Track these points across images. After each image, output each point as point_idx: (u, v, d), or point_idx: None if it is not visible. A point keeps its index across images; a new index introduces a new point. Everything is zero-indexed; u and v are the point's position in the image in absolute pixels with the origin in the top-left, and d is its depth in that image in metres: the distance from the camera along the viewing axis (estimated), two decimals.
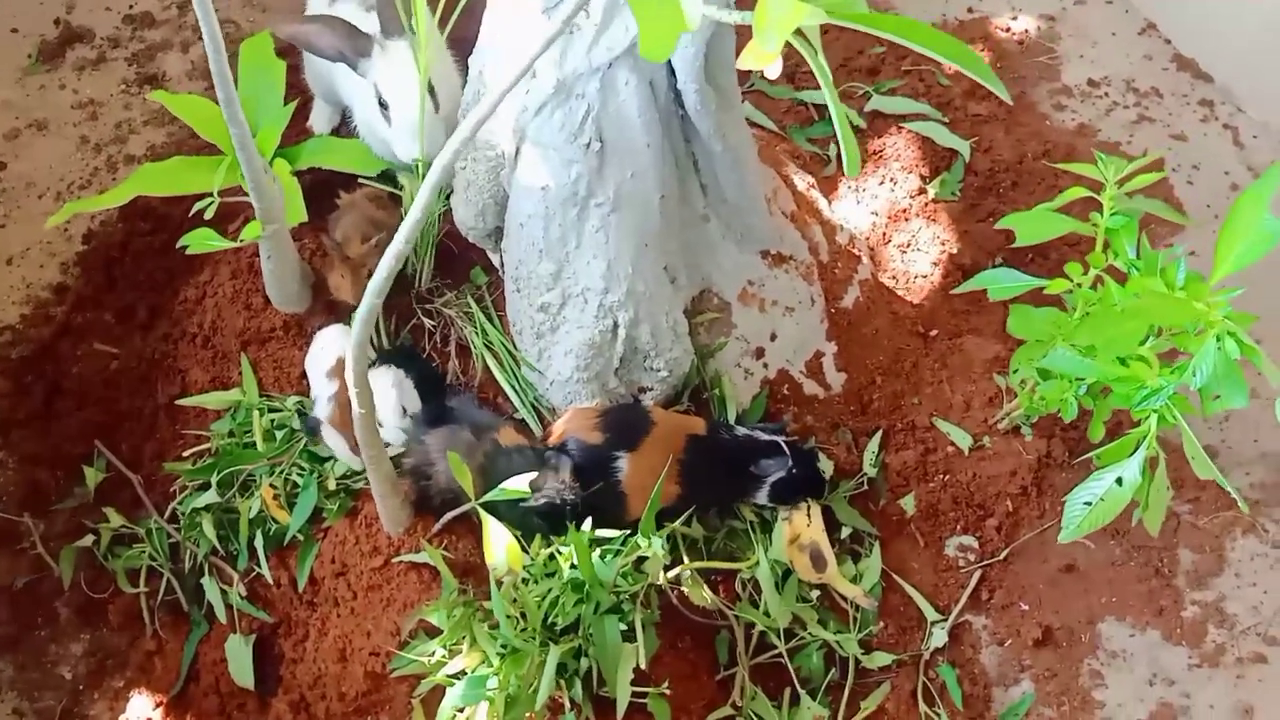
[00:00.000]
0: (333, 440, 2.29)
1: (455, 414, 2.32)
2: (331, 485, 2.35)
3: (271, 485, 2.37)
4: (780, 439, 2.37)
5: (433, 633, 2.12)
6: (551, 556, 2.10)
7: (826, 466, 2.51)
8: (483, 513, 2.05)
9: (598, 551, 2.11)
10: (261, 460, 2.40)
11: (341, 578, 2.30)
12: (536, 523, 2.19)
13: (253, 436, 2.43)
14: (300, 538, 2.35)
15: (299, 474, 2.38)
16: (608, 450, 2.26)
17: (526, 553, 2.14)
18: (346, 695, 2.23)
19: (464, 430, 2.26)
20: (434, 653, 2.08)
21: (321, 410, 2.31)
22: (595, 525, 2.15)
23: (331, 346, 2.39)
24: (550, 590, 2.06)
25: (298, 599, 2.37)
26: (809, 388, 2.64)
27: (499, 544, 2.06)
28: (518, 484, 2.08)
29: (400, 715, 2.19)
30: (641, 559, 2.11)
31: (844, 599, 2.44)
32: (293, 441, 2.41)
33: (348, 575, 2.30)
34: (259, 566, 2.36)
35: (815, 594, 2.40)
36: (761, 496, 2.38)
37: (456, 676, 2.01)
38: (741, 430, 2.39)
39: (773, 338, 2.59)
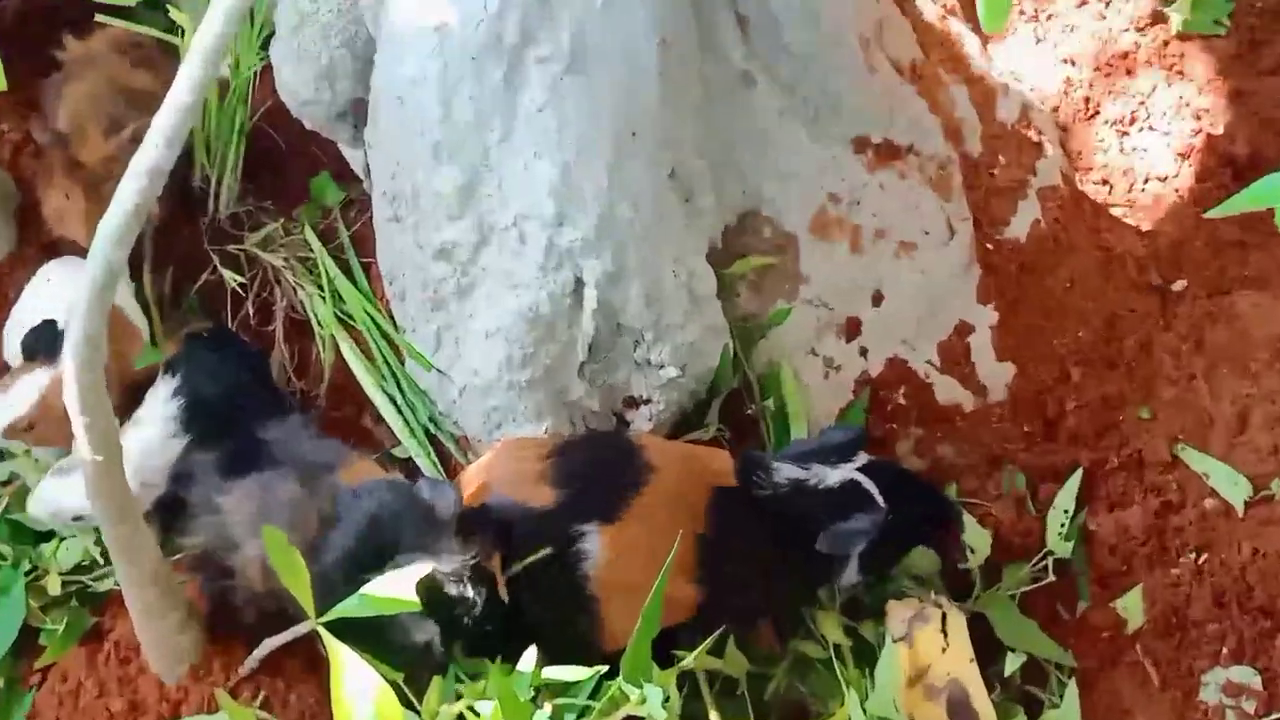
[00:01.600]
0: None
1: (273, 450, 2.33)
2: (54, 586, 2.34)
3: None
4: (855, 467, 2.36)
5: None
6: (461, 717, 2.07)
7: (979, 538, 2.53)
8: (329, 638, 2.00)
9: (547, 708, 2.08)
10: None
11: None
12: (427, 645, 2.21)
13: None
14: None
15: None
16: (565, 520, 2.24)
17: (414, 710, 2.12)
18: None
19: (286, 480, 2.26)
20: None
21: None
22: (545, 658, 2.12)
23: (62, 281, 2.45)
24: None
25: None
26: (945, 390, 2.63)
27: (361, 694, 2.00)
28: (399, 581, 2.03)
29: None
30: None
31: None
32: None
33: None
34: None
35: None
36: (849, 574, 2.41)
37: None
38: (788, 469, 2.37)
39: (876, 300, 2.59)
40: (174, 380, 2.42)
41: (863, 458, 2.37)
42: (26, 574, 2.34)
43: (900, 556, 2.46)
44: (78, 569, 2.34)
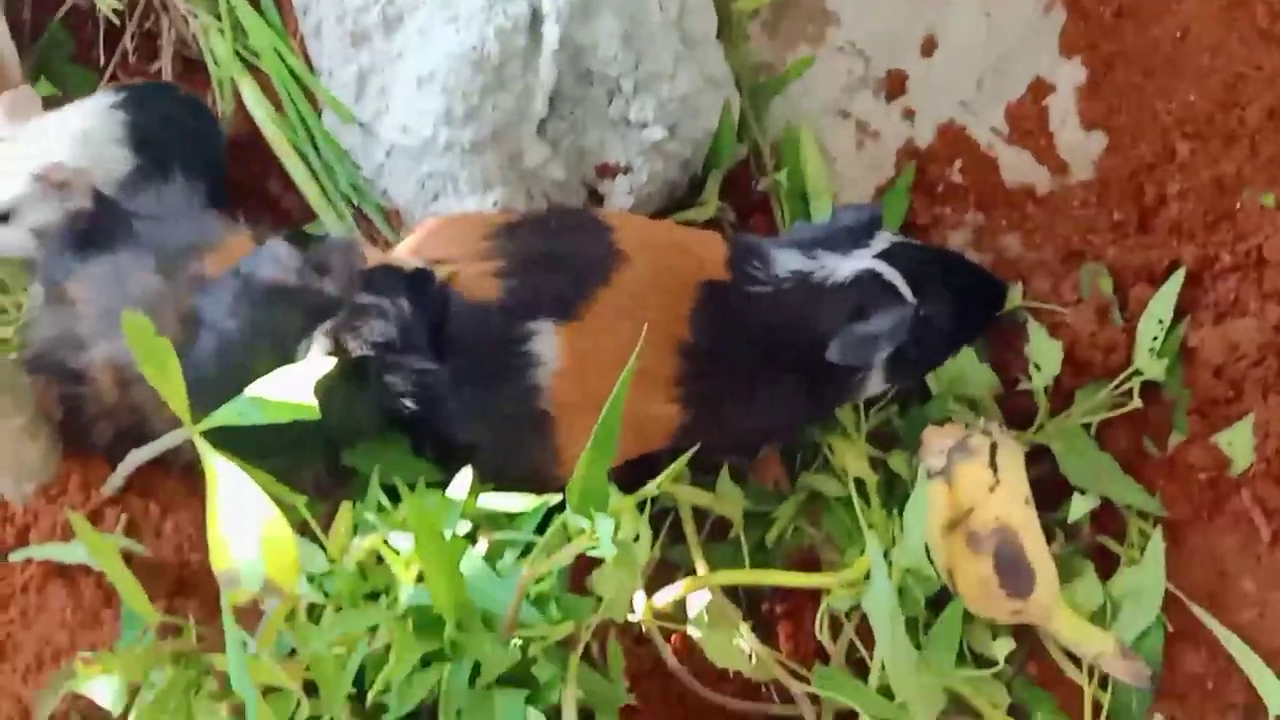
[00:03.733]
0: None
1: (137, 227, 2.27)
2: None
3: None
4: (874, 253, 2.30)
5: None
6: (378, 556, 2.07)
7: (1048, 351, 2.50)
8: (206, 448, 1.96)
9: (483, 543, 2.07)
10: None
11: None
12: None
13: None
14: None
15: None
16: (512, 317, 2.21)
17: (318, 545, 2.11)
18: None
19: (143, 269, 2.22)
20: None
21: None
22: (483, 482, 2.14)
23: None
24: (374, 631, 2.03)
25: None
26: (1014, 166, 2.60)
27: (244, 519, 1.94)
28: (293, 378, 1.95)
29: None
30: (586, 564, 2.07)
31: (1073, 661, 2.40)
32: None
33: None
34: None
35: (1005, 648, 2.36)
36: (872, 386, 2.39)
37: None
38: (790, 258, 2.32)
39: (927, 49, 2.57)
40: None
41: (884, 240, 2.34)
42: None
43: (936, 363, 2.44)
44: None
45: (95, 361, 2.22)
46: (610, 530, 1.95)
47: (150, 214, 2.31)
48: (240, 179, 2.49)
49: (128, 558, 2.17)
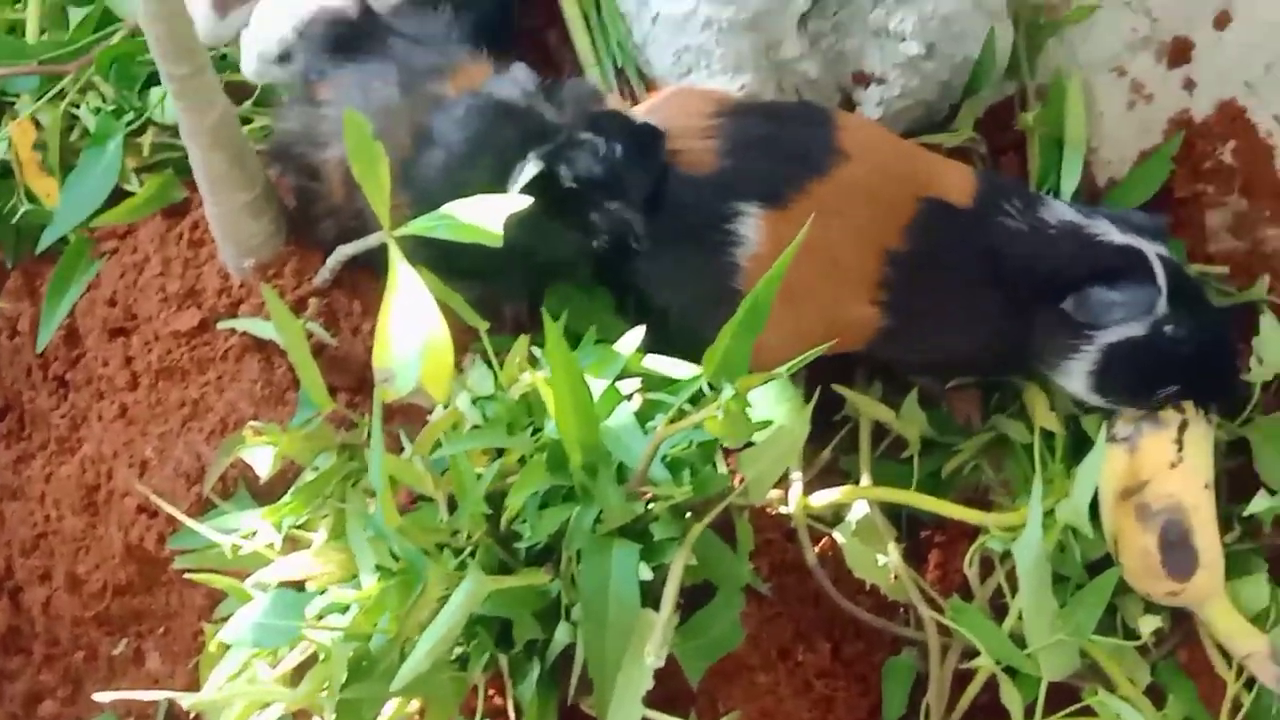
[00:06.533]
0: None
1: (391, 41, 2.38)
2: (145, 148, 2.53)
3: (35, 120, 2.58)
4: (1152, 245, 2.30)
5: (261, 491, 2.27)
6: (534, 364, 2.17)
7: (1274, 345, 2.43)
8: (395, 252, 2.07)
9: (636, 400, 2.14)
10: (29, 62, 2.60)
11: (121, 340, 2.48)
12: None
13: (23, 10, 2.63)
14: (69, 241, 2.56)
15: (97, 105, 2.57)
16: (722, 194, 2.26)
17: (493, 372, 2.20)
18: (86, 582, 2.44)
19: (387, 82, 2.32)
20: (254, 531, 2.20)
21: None
22: (668, 349, 2.21)
23: None
24: (522, 462, 2.12)
25: (38, 366, 2.60)
26: None
27: (411, 326, 2.07)
28: (489, 206, 2.05)
29: (175, 646, 2.38)
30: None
31: (1223, 654, 2.37)
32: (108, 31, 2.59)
33: (132, 338, 2.47)
34: None
35: (1151, 624, 2.33)
36: (1073, 378, 2.35)
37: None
38: (1065, 210, 2.33)
39: (1220, 23, 2.50)
40: None
41: (1160, 249, 2.32)
42: (127, 123, 2.56)
43: (1140, 397, 2.38)
44: (176, 127, 2.41)
45: (330, 161, 2.32)
46: (729, 398, 1.96)
47: (408, 34, 2.40)
48: (524, 27, 2.59)
49: (320, 348, 2.33)
